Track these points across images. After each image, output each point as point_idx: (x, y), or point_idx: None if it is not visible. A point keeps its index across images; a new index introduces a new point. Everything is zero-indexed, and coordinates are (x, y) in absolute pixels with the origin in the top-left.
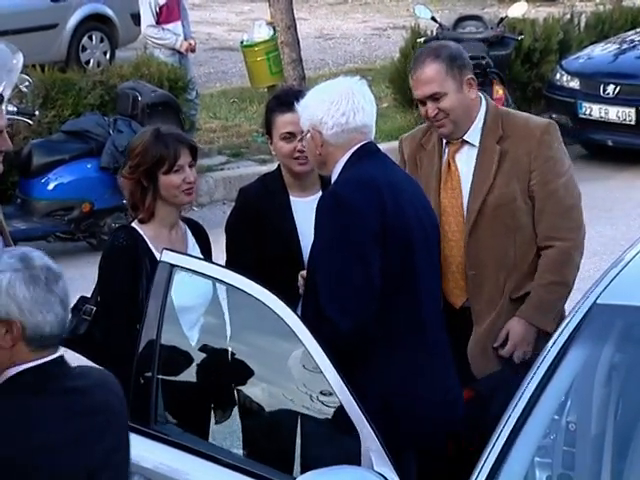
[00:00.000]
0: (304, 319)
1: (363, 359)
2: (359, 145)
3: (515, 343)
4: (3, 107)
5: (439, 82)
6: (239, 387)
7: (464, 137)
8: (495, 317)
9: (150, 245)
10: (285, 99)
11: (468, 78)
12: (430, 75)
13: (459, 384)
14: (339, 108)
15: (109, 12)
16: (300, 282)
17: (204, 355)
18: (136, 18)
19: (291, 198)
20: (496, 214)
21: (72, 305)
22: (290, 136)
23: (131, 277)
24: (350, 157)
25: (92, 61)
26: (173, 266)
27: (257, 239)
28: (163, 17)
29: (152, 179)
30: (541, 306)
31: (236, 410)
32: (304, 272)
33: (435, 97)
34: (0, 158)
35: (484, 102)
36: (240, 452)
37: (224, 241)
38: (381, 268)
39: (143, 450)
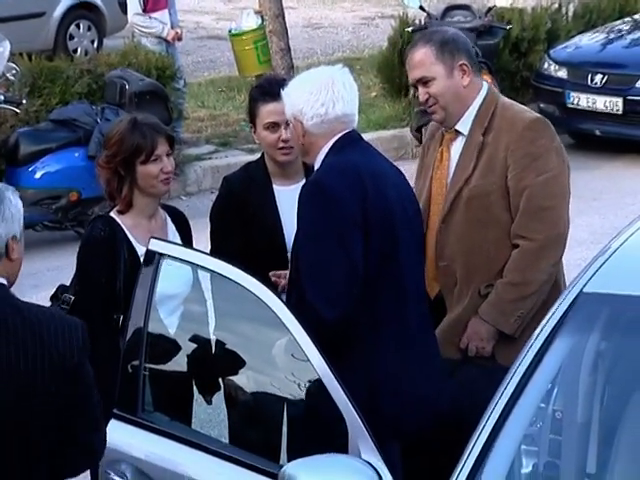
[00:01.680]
0: (288, 306)
1: (348, 347)
2: (341, 134)
3: (467, 336)
4: None
5: (427, 66)
6: (224, 375)
7: (456, 126)
8: (462, 310)
9: (129, 235)
10: (268, 88)
11: (461, 64)
12: (418, 59)
13: (443, 372)
14: (318, 99)
15: (97, 0)
16: (273, 280)
17: (187, 343)
18: (123, 6)
19: (274, 187)
20: (469, 207)
21: (51, 294)
22: (274, 126)
23: (109, 267)
24: (332, 146)
25: (80, 49)
26: (161, 255)
27: (241, 227)
28: (150, 5)
29: (129, 169)
30: (496, 304)
31: (222, 398)
32: (275, 272)
33: (424, 81)
34: None
35: (484, 91)
36: (227, 440)
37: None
38: (364, 255)
39: (130, 438)
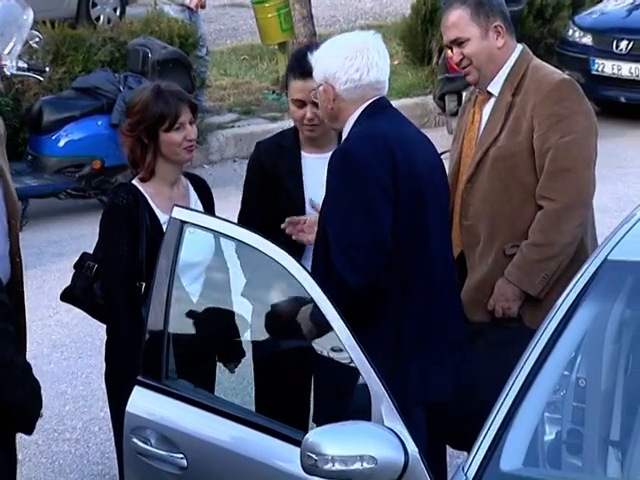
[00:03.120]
0: (314, 274)
1: (376, 314)
2: (371, 100)
3: (494, 298)
4: (14, 63)
5: (462, 27)
6: (249, 343)
7: (488, 87)
8: (487, 271)
9: (151, 202)
10: (301, 63)
11: (496, 25)
12: (453, 20)
13: (467, 338)
14: (353, 64)
15: None
16: (288, 230)
17: (210, 310)
18: None
19: (303, 154)
20: (494, 167)
21: (75, 262)
22: (299, 102)
23: (131, 234)
24: (362, 113)
25: (102, 17)
26: (184, 222)
27: (267, 192)
28: None
29: (152, 137)
30: (521, 266)
31: (245, 365)
32: (292, 218)
33: (458, 42)
34: None
35: (517, 52)
36: (251, 407)
37: (234, 197)
38: (392, 222)
39: (154, 405)
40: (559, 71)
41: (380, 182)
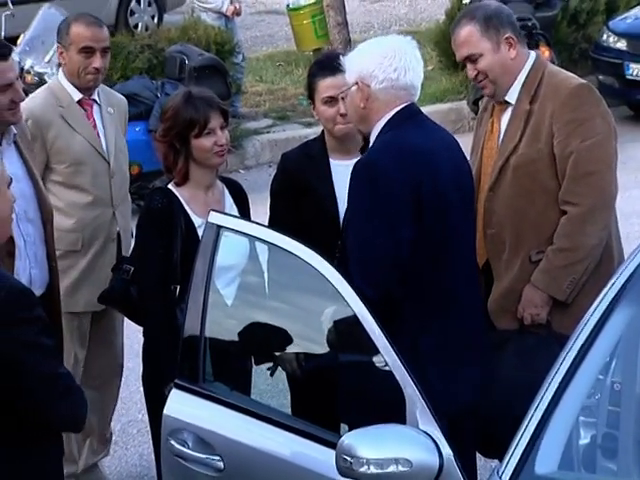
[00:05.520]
0: None
1: (394, 323)
2: (402, 106)
3: (522, 305)
4: (54, 70)
5: (473, 43)
6: (284, 346)
7: (505, 97)
8: (513, 278)
9: (185, 206)
10: (327, 63)
11: (507, 37)
12: (464, 37)
13: (491, 346)
14: (392, 63)
15: None
16: None
17: (245, 313)
18: None
19: (331, 161)
20: (516, 175)
21: (113, 265)
22: (331, 100)
23: (166, 238)
24: (391, 118)
25: (140, 25)
26: (220, 227)
27: (297, 203)
28: None
29: (184, 142)
30: (548, 271)
31: (280, 369)
32: None
33: (472, 58)
34: (16, 109)
35: (531, 60)
36: (287, 410)
37: (269, 202)
38: (412, 238)
39: (191, 407)
40: (575, 76)
41: (400, 198)
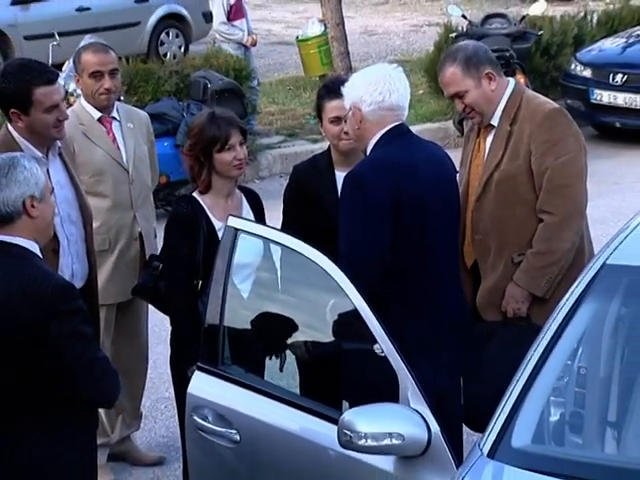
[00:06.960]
0: None
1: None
2: (391, 125)
3: (506, 300)
4: None
5: (458, 82)
6: (293, 335)
7: (490, 121)
8: (498, 277)
9: (208, 212)
10: (332, 87)
11: (487, 73)
12: (449, 77)
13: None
14: (377, 88)
15: (184, 11)
16: None
17: (259, 305)
18: (207, 16)
19: (336, 173)
20: (499, 188)
21: (144, 262)
22: (337, 119)
23: (190, 239)
24: (382, 136)
25: (169, 54)
26: (237, 230)
27: (306, 209)
28: (232, 15)
29: (207, 156)
30: (528, 271)
31: (290, 353)
32: None
33: (458, 95)
34: (60, 127)
35: (511, 86)
36: (296, 391)
37: (281, 208)
38: (392, 242)
39: (211, 387)
40: (550, 100)
41: (381, 204)
